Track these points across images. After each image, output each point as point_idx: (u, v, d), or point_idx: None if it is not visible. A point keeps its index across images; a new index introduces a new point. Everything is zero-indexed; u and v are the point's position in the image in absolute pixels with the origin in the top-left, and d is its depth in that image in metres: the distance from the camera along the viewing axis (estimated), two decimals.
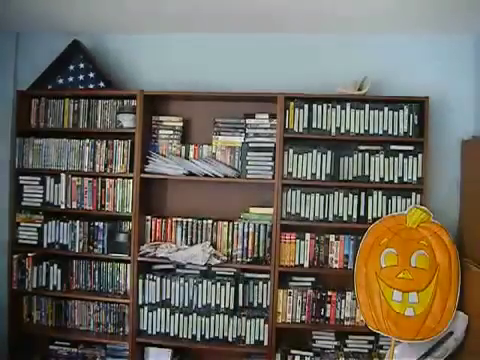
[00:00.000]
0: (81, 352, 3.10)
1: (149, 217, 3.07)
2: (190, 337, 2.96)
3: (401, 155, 2.83)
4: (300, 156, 2.89)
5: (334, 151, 2.87)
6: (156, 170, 2.99)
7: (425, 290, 2.53)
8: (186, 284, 2.97)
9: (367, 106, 2.84)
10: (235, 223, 2.97)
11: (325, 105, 2.87)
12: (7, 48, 3.30)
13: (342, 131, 2.85)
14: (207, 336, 2.95)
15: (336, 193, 2.87)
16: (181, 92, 3.03)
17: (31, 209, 3.13)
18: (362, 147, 2.87)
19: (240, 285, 2.93)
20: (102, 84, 3.08)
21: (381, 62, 2.98)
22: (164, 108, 3.17)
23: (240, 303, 2.94)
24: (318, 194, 2.88)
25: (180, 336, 2.98)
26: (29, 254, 3.10)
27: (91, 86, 3.09)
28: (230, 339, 2.93)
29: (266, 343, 2.89)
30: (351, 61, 2.99)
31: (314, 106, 2.87)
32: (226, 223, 2.98)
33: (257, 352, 2.94)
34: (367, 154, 2.86)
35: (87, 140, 3.06)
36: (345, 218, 2.86)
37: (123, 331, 3.06)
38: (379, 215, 2.81)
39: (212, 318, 2.94)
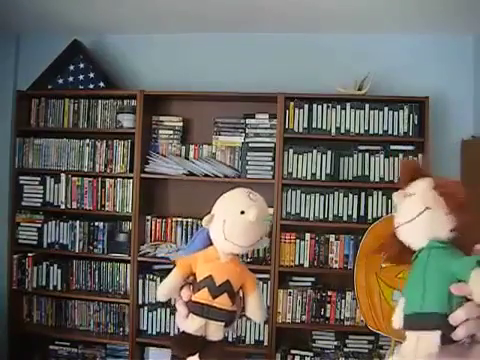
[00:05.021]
0: (81, 352, 3.10)
1: (149, 217, 3.07)
2: None
3: (401, 155, 2.83)
4: (300, 156, 2.89)
5: (334, 151, 2.87)
6: (156, 170, 2.99)
7: None
8: None
9: (367, 106, 2.84)
10: None
11: (325, 105, 2.87)
12: (7, 48, 3.30)
13: (342, 131, 2.85)
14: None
15: (336, 193, 2.87)
16: (181, 92, 3.03)
17: (31, 209, 3.13)
18: (362, 147, 2.87)
19: None
20: (102, 84, 3.08)
21: (381, 62, 2.98)
22: (164, 108, 3.17)
23: None
24: (318, 194, 2.88)
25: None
26: (29, 254, 3.10)
27: (91, 86, 3.09)
28: (230, 339, 2.93)
29: (266, 343, 2.89)
30: (351, 61, 2.99)
31: (314, 106, 2.88)
32: None
33: (257, 352, 2.94)
34: (367, 154, 2.86)
35: (87, 140, 3.06)
36: (345, 218, 2.86)
37: (123, 331, 3.06)
38: (379, 215, 2.81)
39: None
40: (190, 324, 0.82)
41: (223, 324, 0.83)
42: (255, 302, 0.88)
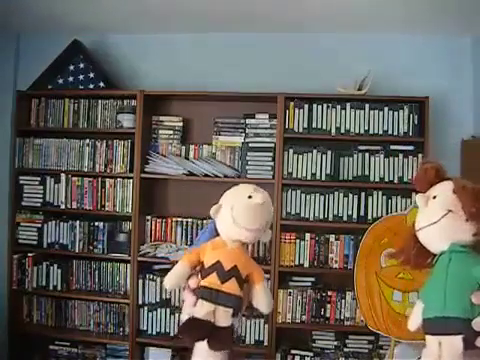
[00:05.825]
0: (81, 352, 3.10)
1: (149, 217, 3.07)
2: None
3: (401, 155, 2.83)
4: (300, 156, 2.89)
5: (334, 151, 2.87)
6: (156, 170, 2.99)
7: None
8: None
9: (367, 106, 2.84)
10: None
11: (325, 105, 2.87)
12: (7, 48, 3.30)
13: (342, 131, 2.85)
14: None
15: (336, 193, 2.87)
16: (181, 92, 3.03)
17: (31, 209, 3.13)
18: (362, 147, 2.87)
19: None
20: (102, 84, 3.08)
21: (381, 62, 2.97)
22: (164, 108, 3.17)
23: None
24: (318, 194, 2.88)
25: (180, 336, 2.96)
26: (29, 254, 3.10)
27: (91, 86, 3.09)
28: None
29: (266, 343, 2.89)
30: (351, 61, 2.99)
31: (314, 106, 2.88)
32: None
33: (257, 352, 2.93)
34: (367, 154, 2.86)
35: (87, 140, 3.06)
36: (345, 218, 2.86)
37: (123, 331, 3.05)
38: (379, 215, 2.81)
39: None
40: (199, 309, 0.84)
41: (231, 310, 0.85)
42: (262, 292, 0.91)
